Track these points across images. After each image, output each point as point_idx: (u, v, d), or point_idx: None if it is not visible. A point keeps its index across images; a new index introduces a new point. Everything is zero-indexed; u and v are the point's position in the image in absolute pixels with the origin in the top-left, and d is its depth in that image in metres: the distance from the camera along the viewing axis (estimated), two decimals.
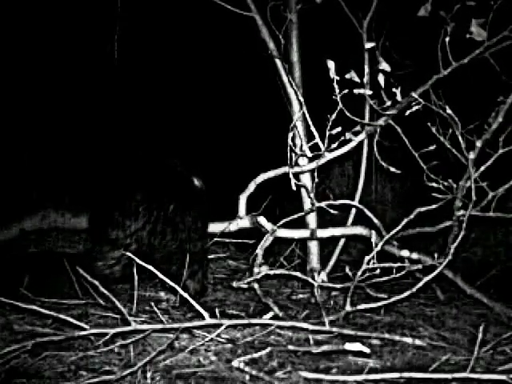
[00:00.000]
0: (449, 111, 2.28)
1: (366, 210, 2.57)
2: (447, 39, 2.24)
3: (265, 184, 2.71)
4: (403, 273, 2.24)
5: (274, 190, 2.80)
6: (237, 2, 2.79)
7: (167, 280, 2.22)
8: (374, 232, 2.52)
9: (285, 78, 2.78)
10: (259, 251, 2.50)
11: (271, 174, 2.69)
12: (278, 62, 2.79)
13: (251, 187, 2.70)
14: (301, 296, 2.85)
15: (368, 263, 2.20)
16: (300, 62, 2.86)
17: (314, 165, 2.55)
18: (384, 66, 2.33)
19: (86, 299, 2.47)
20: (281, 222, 2.57)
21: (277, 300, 2.75)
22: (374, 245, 2.31)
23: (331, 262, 2.87)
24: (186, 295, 2.18)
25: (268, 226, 2.56)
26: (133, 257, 2.24)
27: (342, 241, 2.84)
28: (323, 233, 2.66)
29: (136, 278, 2.23)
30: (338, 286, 2.38)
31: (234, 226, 2.69)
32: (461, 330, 2.35)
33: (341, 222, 2.76)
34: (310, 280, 2.43)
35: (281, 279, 3.05)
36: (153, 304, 2.30)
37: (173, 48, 5.29)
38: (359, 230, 2.60)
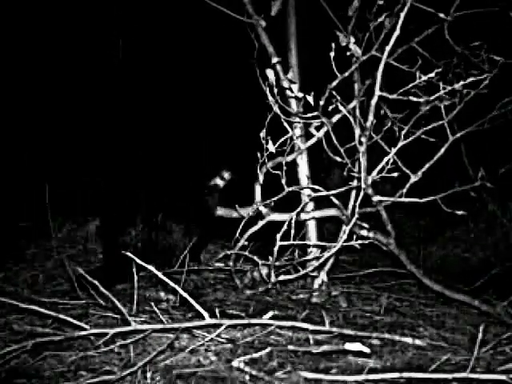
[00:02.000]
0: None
1: (332, 197, 2.73)
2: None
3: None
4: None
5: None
6: (237, 8, 2.90)
7: (167, 280, 2.22)
8: (345, 212, 2.76)
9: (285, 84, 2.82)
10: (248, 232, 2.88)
11: (277, 160, 2.87)
12: (278, 65, 2.84)
13: (261, 177, 2.94)
14: (301, 296, 2.85)
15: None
16: (299, 65, 2.96)
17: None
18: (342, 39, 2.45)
19: (86, 299, 2.47)
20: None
21: (277, 300, 2.75)
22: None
23: (329, 262, 2.89)
24: (185, 295, 2.18)
25: (263, 210, 2.91)
26: (133, 257, 2.24)
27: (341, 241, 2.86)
28: (306, 215, 2.95)
29: (136, 278, 2.23)
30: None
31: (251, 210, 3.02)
32: (461, 330, 2.36)
33: None
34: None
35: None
36: (153, 304, 2.30)
37: (174, 50, 5.31)
38: (333, 212, 2.83)
